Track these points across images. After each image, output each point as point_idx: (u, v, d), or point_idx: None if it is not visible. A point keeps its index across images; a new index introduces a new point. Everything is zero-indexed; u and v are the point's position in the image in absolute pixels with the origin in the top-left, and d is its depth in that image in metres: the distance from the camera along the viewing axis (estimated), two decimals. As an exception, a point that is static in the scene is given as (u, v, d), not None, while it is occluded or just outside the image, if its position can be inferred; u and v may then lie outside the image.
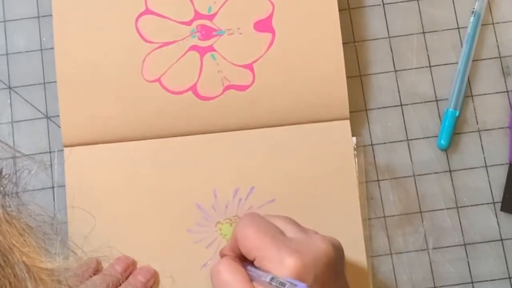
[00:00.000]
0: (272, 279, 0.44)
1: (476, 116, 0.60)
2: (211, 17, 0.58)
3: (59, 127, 0.57)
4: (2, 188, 0.37)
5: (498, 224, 0.58)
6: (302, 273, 0.44)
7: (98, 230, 0.54)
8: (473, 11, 0.60)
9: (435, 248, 0.58)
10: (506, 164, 0.59)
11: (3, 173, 0.38)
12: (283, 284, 0.43)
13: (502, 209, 0.58)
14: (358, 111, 0.60)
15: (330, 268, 0.46)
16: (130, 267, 0.55)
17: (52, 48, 0.58)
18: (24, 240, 0.34)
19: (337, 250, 0.48)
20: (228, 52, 0.58)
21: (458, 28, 0.61)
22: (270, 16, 0.58)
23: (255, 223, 0.48)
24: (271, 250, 0.46)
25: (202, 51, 0.58)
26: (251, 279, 0.46)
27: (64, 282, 0.35)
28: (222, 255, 0.52)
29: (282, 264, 0.45)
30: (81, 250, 0.43)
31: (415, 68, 0.60)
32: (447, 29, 0.61)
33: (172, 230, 0.56)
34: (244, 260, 0.49)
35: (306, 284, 0.42)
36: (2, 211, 0.35)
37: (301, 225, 0.50)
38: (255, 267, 0.47)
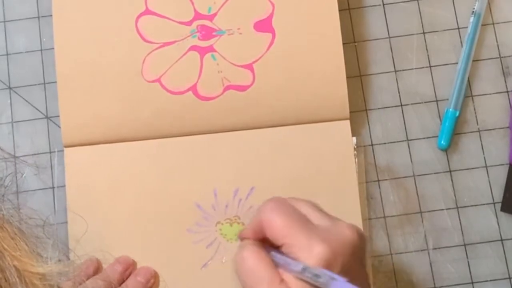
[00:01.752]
0: (304, 269, 0.43)
1: (476, 116, 0.60)
2: (211, 17, 0.58)
3: (59, 127, 0.57)
4: None
5: (498, 224, 0.58)
6: (330, 262, 0.43)
7: (98, 230, 0.54)
8: (473, 11, 0.60)
9: (435, 248, 0.58)
10: (506, 164, 0.59)
11: None
12: (317, 276, 0.42)
13: (502, 209, 0.58)
14: (358, 111, 0.60)
15: (355, 257, 0.46)
16: (130, 268, 0.55)
17: (52, 48, 0.58)
18: (16, 244, 0.34)
19: (362, 238, 0.47)
20: (228, 52, 0.58)
21: (458, 28, 0.61)
22: (270, 16, 0.58)
23: (283, 209, 0.47)
24: (300, 238, 0.45)
25: (202, 51, 0.58)
26: (276, 266, 0.45)
27: (56, 287, 0.35)
28: (242, 237, 0.50)
29: (312, 252, 0.44)
30: (74, 253, 0.43)
31: (415, 68, 0.60)
32: (447, 29, 0.61)
33: (172, 230, 0.56)
34: (266, 244, 0.47)
35: (334, 272, 0.42)
36: None
37: (324, 211, 0.49)
38: (279, 252, 0.46)
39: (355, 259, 0.46)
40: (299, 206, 0.48)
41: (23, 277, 0.33)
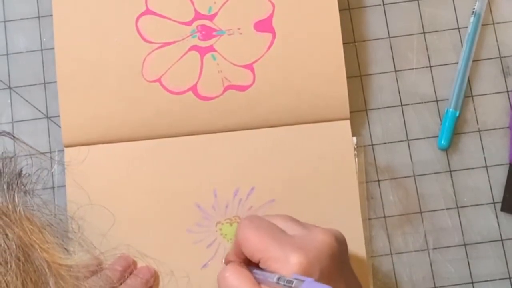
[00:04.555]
0: (279, 278, 0.44)
1: (476, 116, 0.60)
2: (211, 17, 0.58)
3: (59, 127, 0.58)
4: (23, 187, 0.38)
5: (498, 224, 0.58)
6: (308, 269, 0.44)
7: (97, 230, 0.54)
8: (473, 11, 0.60)
9: (435, 248, 0.58)
10: (506, 164, 0.59)
11: (23, 173, 0.38)
12: (290, 282, 0.43)
13: (502, 209, 0.58)
14: (358, 111, 0.60)
15: (334, 260, 0.46)
16: (130, 267, 0.55)
17: (52, 48, 0.58)
18: (44, 237, 0.35)
19: (340, 241, 0.48)
20: (228, 52, 0.58)
21: (458, 28, 0.61)
22: (270, 16, 0.58)
23: (255, 225, 0.48)
24: (274, 250, 0.46)
25: (203, 51, 0.58)
26: (258, 282, 0.46)
27: (82, 279, 0.36)
28: (227, 261, 0.52)
29: (288, 262, 0.44)
30: (98, 250, 0.44)
31: (415, 68, 0.60)
32: (447, 29, 0.61)
33: (172, 230, 0.56)
34: (250, 264, 0.49)
35: (313, 278, 0.42)
36: (23, 209, 0.36)
37: (300, 221, 0.50)
38: (261, 269, 0.47)
39: (334, 262, 0.46)
40: (275, 221, 0.49)
41: (52, 268, 0.34)
